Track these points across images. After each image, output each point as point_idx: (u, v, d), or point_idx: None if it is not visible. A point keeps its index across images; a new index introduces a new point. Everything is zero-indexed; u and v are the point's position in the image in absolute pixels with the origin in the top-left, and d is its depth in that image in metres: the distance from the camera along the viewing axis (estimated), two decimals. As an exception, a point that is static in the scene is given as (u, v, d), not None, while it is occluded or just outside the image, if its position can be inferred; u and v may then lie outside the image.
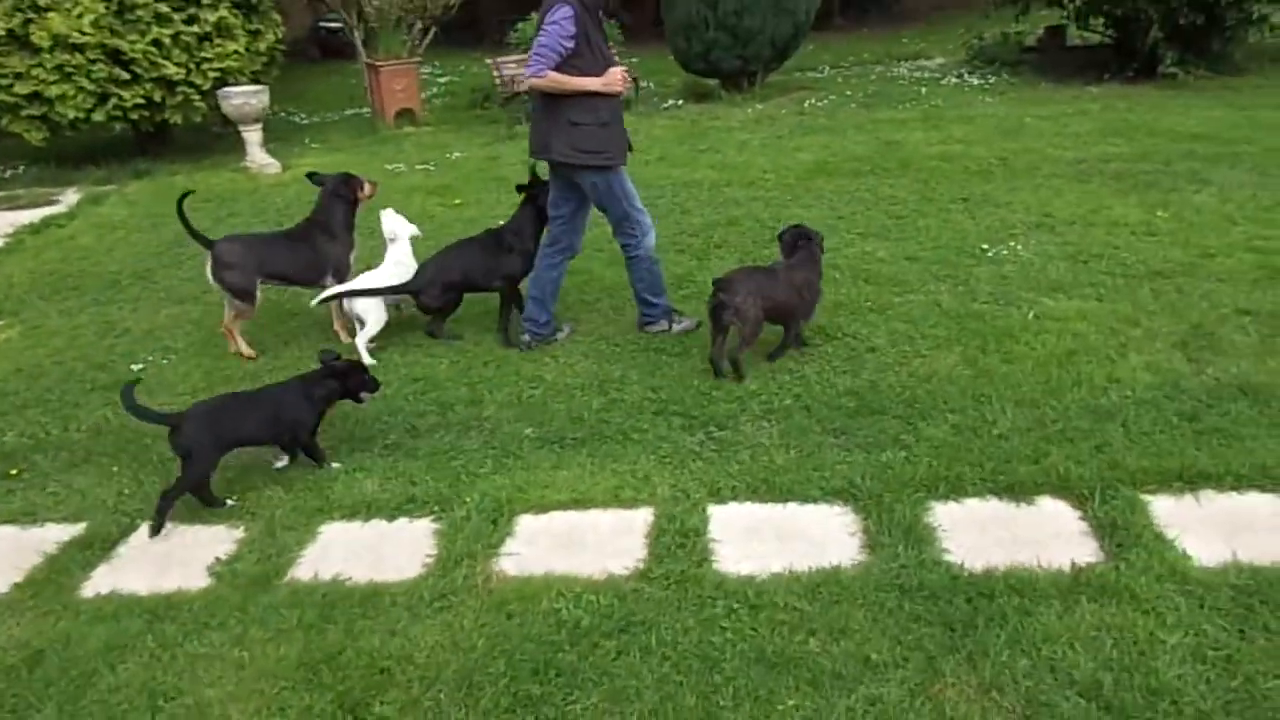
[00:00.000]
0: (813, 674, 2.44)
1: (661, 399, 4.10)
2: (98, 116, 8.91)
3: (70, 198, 8.61)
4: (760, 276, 4.30)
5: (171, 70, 9.00)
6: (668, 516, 3.20)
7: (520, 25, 10.87)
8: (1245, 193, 6.40)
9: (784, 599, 2.74)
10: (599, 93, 4.26)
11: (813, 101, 10.85)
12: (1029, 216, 6.25)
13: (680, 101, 11.58)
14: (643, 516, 3.21)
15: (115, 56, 8.78)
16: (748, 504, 3.28)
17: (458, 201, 7.64)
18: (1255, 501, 3.06)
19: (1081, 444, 3.43)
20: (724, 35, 10.82)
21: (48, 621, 2.89)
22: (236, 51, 9.43)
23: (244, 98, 8.81)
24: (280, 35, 10.29)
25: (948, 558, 2.89)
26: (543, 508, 3.31)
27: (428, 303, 4.83)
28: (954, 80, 11.55)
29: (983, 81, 11.34)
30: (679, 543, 3.06)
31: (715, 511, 3.24)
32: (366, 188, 5.18)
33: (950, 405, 3.82)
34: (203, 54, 9.19)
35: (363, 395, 3.78)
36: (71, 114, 8.78)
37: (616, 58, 4.47)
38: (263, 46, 9.98)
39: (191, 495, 3.42)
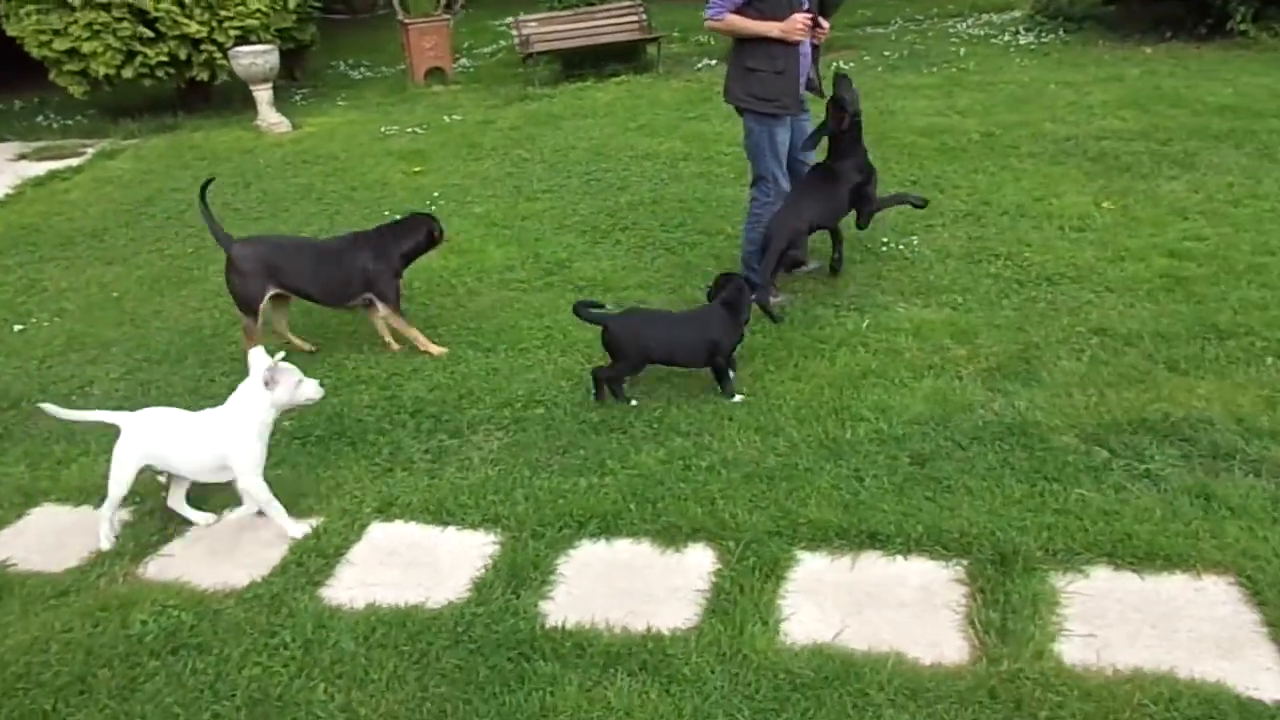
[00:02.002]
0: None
1: (429, 399, 4.03)
2: (127, 73, 9.41)
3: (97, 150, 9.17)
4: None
5: (193, 28, 9.38)
6: (322, 530, 3.17)
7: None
8: (1224, 180, 5.69)
9: (371, 632, 2.67)
10: (778, 39, 4.15)
11: (840, 64, 10.22)
12: (965, 204, 5.76)
13: (714, 61, 11.17)
14: (303, 529, 3.19)
15: (140, 15, 9.20)
16: (411, 524, 3.21)
17: (417, 169, 7.69)
18: (907, 571, 2.75)
19: (776, 486, 3.16)
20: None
21: None
22: (259, 10, 9.69)
23: (251, 57, 9.09)
24: (312, -8, 10.49)
25: (540, 605, 2.74)
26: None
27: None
28: (1005, 38, 10.64)
29: (1034, 41, 10.40)
30: (310, 560, 3.03)
31: (374, 529, 3.20)
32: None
33: (691, 428, 3.60)
34: (224, 12, 9.48)
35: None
36: (103, 70, 9.29)
37: (806, 2, 4.27)
38: (291, 4, 10.20)
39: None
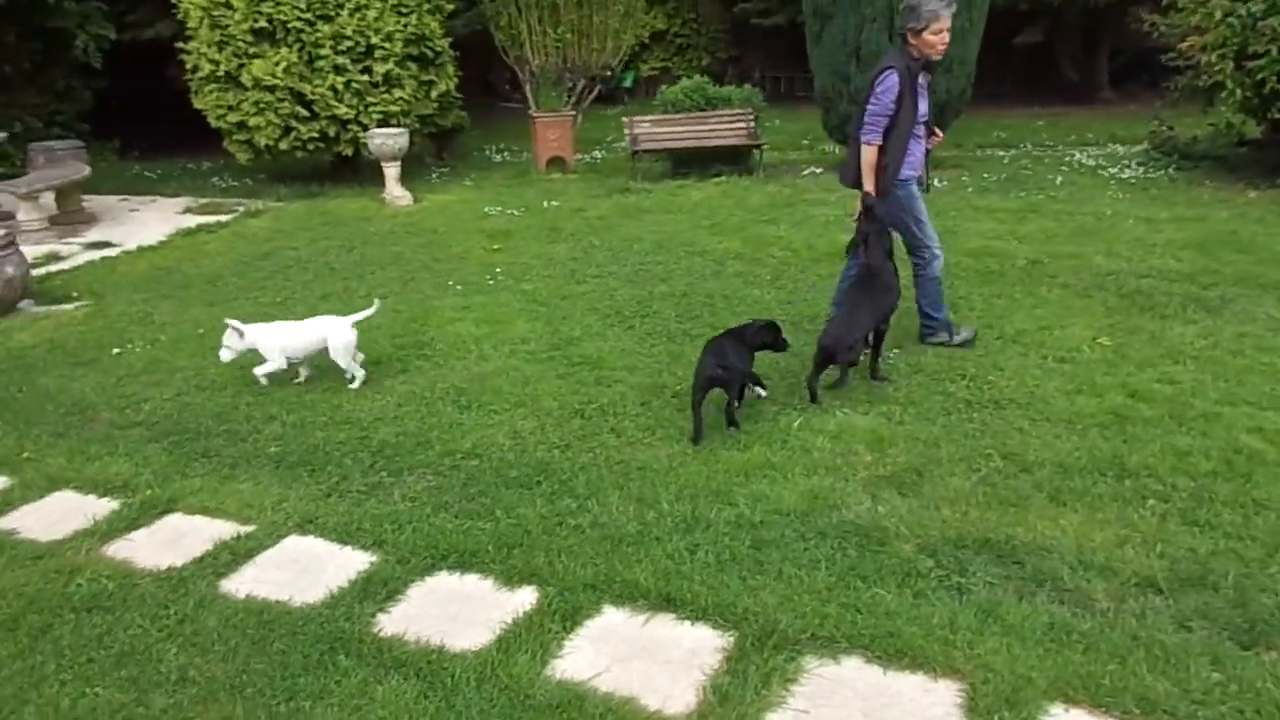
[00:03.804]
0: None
1: (391, 442, 4.64)
2: (283, 145, 10.84)
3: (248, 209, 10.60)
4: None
5: (342, 111, 10.73)
6: (248, 534, 3.79)
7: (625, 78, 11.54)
8: (1240, 329, 5.63)
9: (234, 615, 3.24)
10: (894, 140, 5.02)
11: (935, 182, 10.48)
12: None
13: (819, 170, 11.66)
14: (219, 529, 3.82)
15: (299, 97, 10.65)
16: (319, 540, 3.77)
17: (497, 247, 8.51)
18: (687, 635, 3.07)
19: (620, 548, 3.54)
20: (857, 110, 10.75)
21: None
22: (402, 98, 10.99)
23: (383, 138, 10.31)
24: (453, 85, 11.75)
25: (376, 616, 3.23)
26: (165, 511, 4.01)
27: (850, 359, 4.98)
28: (1113, 170, 10.60)
29: (1139, 175, 10.32)
30: (225, 556, 3.64)
31: (289, 540, 3.78)
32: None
33: (585, 491, 4.02)
34: (370, 98, 10.82)
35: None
36: (264, 140, 10.77)
37: (924, 121, 5.20)
38: (433, 94, 11.49)
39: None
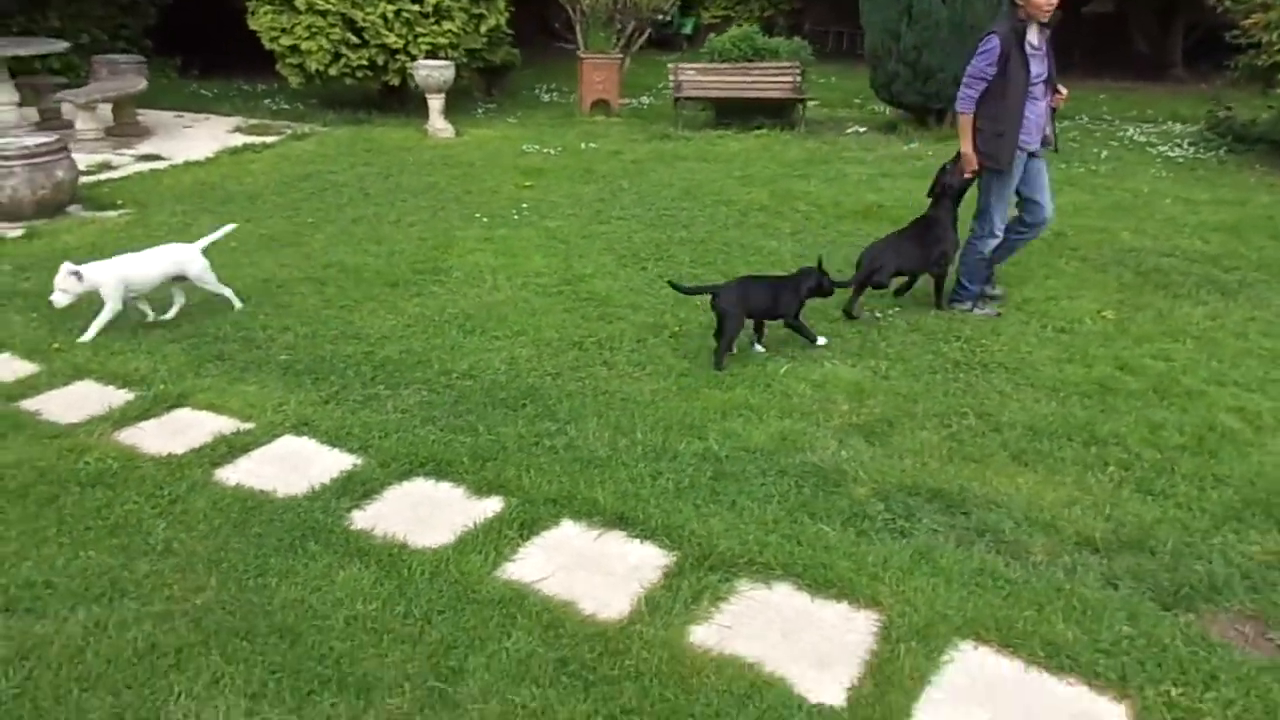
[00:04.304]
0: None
1: (395, 359, 4.86)
2: (333, 71, 11.03)
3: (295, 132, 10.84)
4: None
5: (391, 40, 10.88)
6: (247, 430, 4.05)
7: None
8: (1250, 312, 5.61)
9: (221, 498, 3.50)
10: (1005, 104, 5.07)
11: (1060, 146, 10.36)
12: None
13: (864, 129, 11.57)
14: (221, 425, 4.08)
15: (350, 23, 10.81)
16: (310, 440, 4.01)
17: (528, 184, 8.65)
18: (634, 551, 3.25)
19: (588, 470, 3.72)
20: (905, 69, 10.66)
21: None
22: (450, 30, 11.09)
23: (428, 70, 10.45)
24: (503, 21, 11.80)
25: (351, 512, 3.46)
26: (175, 405, 4.29)
27: (880, 281, 5.47)
28: (1163, 148, 10.37)
29: (1188, 154, 10.09)
30: (223, 448, 3.91)
31: (284, 439, 4.03)
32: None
33: (568, 416, 4.21)
34: (419, 29, 10.95)
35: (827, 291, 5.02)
36: (315, 65, 10.97)
37: (1044, 80, 5.18)
38: (483, 28, 11.58)
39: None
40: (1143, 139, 11.14)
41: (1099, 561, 3.24)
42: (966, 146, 5.29)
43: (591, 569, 3.15)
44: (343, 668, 2.65)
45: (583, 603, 2.97)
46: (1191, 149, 10.40)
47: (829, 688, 2.62)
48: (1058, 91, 5.33)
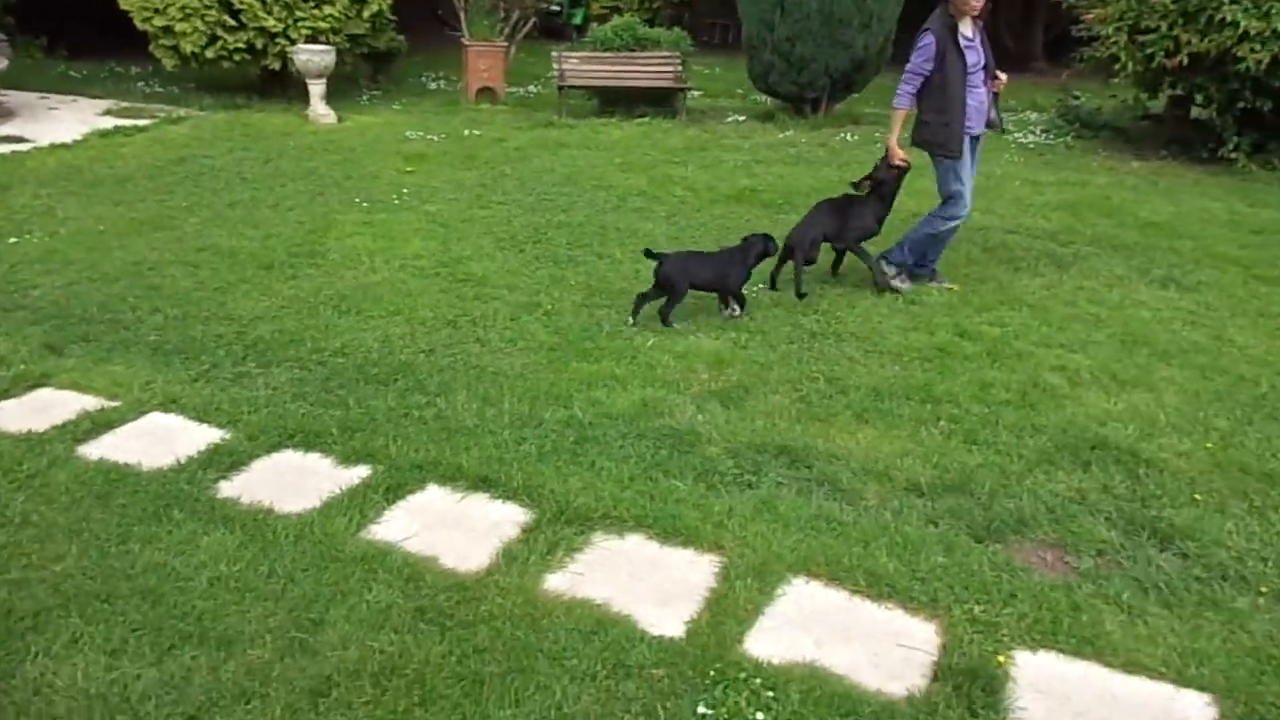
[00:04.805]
0: None
1: (269, 339, 4.89)
2: (209, 53, 10.78)
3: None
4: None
5: (270, 23, 10.70)
6: (109, 409, 4.04)
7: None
8: (1080, 282, 6.10)
9: (84, 473, 3.52)
10: (947, 94, 5.39)
11: (846, 136, 10.84)
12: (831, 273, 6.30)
13: (743, 118, 11.91)
14: (85, 403, 4.08)
15: (227, 5, 10.59)
16: (178, 417, 4.04)
17: (410, 170, 8.68)
18: (494, 510, 3.42)
19: (454, 438, 3.86)
20: (779, 60, 11.03)
21: None
22: (332, 14, 10.97)
23: (308, 54, 10.34)
24: (386, 6, 11.71)
25: (218, 483, 3.52)
26: (36, 386, 4.26)
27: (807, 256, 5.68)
28: (1016, 135, 11.02)
29: (1039, 141, 10.76)
30: (87, 425, 3.90)
31: (151, 416, 4.04)
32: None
33: (437, 389, 4.33)
34: (299, 12, 10.79)
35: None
36: (189, 48, 10.71)
37: (982, 68, 5.49)
38: (365, 14, 11.48)
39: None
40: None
41: (923, 503, 3.55)
42: (892, 139, 5.62)
43: (453, 528, 3.30)
44: (204, 624, 2.74)
45: (444, 558, 3.12)
46: (1044, 135, 11.08)
47: (670, 622, 2.83)
48: (996, 77, 5.65)
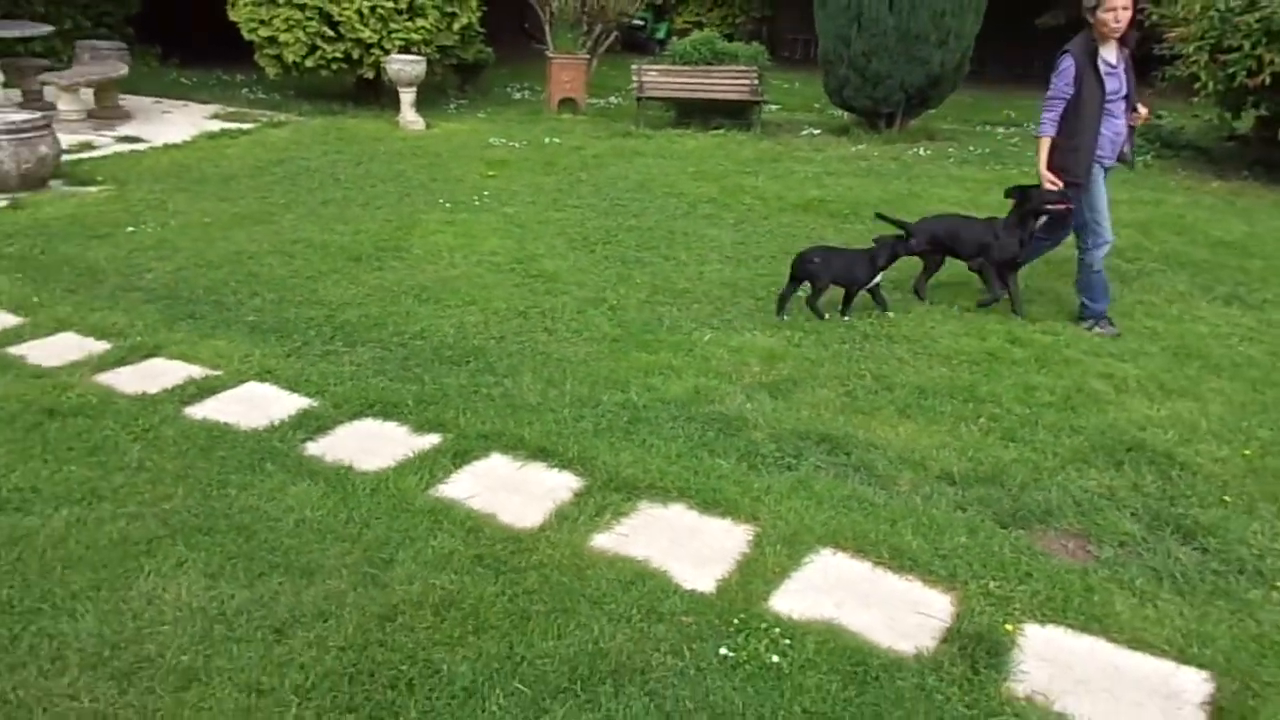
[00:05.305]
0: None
1: (355, 323, 5.32)
2: (309, 63, 11.45)
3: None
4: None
5: (366, 34, 11.32)
6: (201, 376, 4.50)
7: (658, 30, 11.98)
8: (1140, 297, 6.17)
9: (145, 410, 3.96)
10: (1080, 120, 5.28)
11: (919, 151, 10.95)
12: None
13: (818, 132, 12.11)
14: (191, 371, 4.52)
15: (327, 17, 11.24)
16: (265, 386, 4.46)
17: (491, 174, 9.12)
18: (550, 478, 3.73)
19: (519, 414, 4.19)
20: (854, 75, 11.21)
21: None
22: (424, 26, 11.55)
23: (400, 64, 10.90)
24: (475, 19, 12.26)
25: (304, 443, 3.92)
26: (149, 355, 4.73)
27: (914, 247, 5.79)
28: (1093, 154, 10.96)
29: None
30: (192, 389, 4.35)
31: (250, 385, 4.47)
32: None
33: (510, 371, 4.68)
34: (393, 25, 11.39)
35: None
36: (291, 57, 11.39)
37: (1122, 97, 5.36)
38: (455, 26, 12.03)
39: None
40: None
41: (954, 491, 3.74)
42: (1042, 167, 5.44)
43: (513, 491, 3.62)
44: (290, 558, 3.10)
45: (502, 515, 3.44)
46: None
47: (703, 579, 3.10)
48: (1135, 110, 5.47)
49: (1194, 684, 2.74)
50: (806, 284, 5.60)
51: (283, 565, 3.06)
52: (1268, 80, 8.85)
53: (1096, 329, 5.55)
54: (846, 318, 5.56)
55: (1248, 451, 4.12)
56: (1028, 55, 21.14)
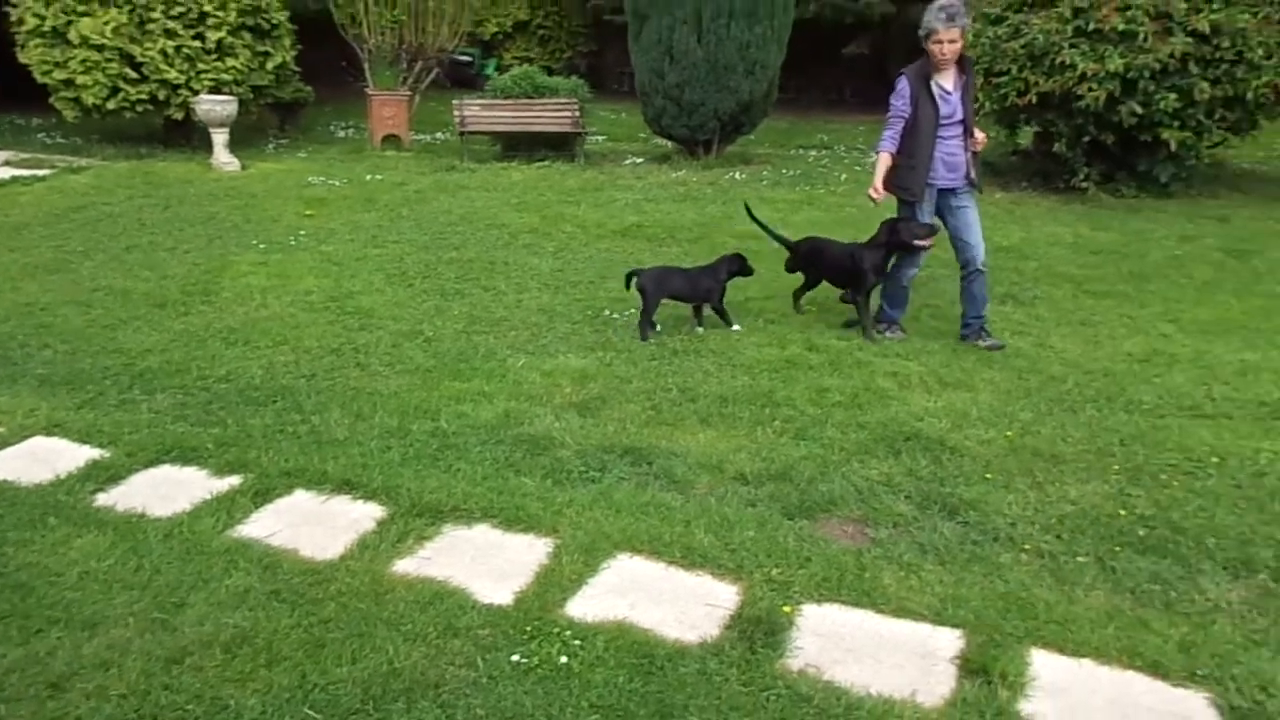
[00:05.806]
0: None
1: (156, 369, 5.14)
2: (111, 105, 10.98)
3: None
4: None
5: (172, 75, 10.95)
6: None
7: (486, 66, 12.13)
8: (925, 300, 6.63)
9: None
10: (917, 140, 5.43)
11: (735, 175, 11.45)
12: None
13: (640, 160, 12.47)
14: None
15: (128, 59, 10.81)
16: (62, 440, 4.27)
17: (309, 213, 8.98)
18: (354, 509, 3.74)
19: (323, 448, 4.18)
20: (670, 105, 11.63)
21: None
22: (234, 67, 11.27)
23: (210, 104, 10.60)
24: (290, 58, 12.06)
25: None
26: None
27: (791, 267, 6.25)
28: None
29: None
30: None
31: (35, 440, 4.27)
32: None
33: (315, 408, 4.64)
34: (201, 65, 11.07)
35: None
36: (91, 100, 10.88)
37: (956, 121, 5.46)
38: (269, 66, 11.79)
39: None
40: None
41: (747, 490, 3.97)
42: (877, 181, 5.58)
43: (315, 524, 3.62)
44: (71, 611, 3.01)
45: (303, 549, 3.43)
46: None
47: (501, 593, 3.19)
48: (972, 135, 5.60)
49: (947, 641, 3.02)
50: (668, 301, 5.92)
51: (63, 619, 2.96)
52: (1034, 99, 9.74)
53: (887, 334, 5.95)
54: (700, 329, 5.93)
55: (1010, 433, 4.54)
56: (839, 83, 22.48)
